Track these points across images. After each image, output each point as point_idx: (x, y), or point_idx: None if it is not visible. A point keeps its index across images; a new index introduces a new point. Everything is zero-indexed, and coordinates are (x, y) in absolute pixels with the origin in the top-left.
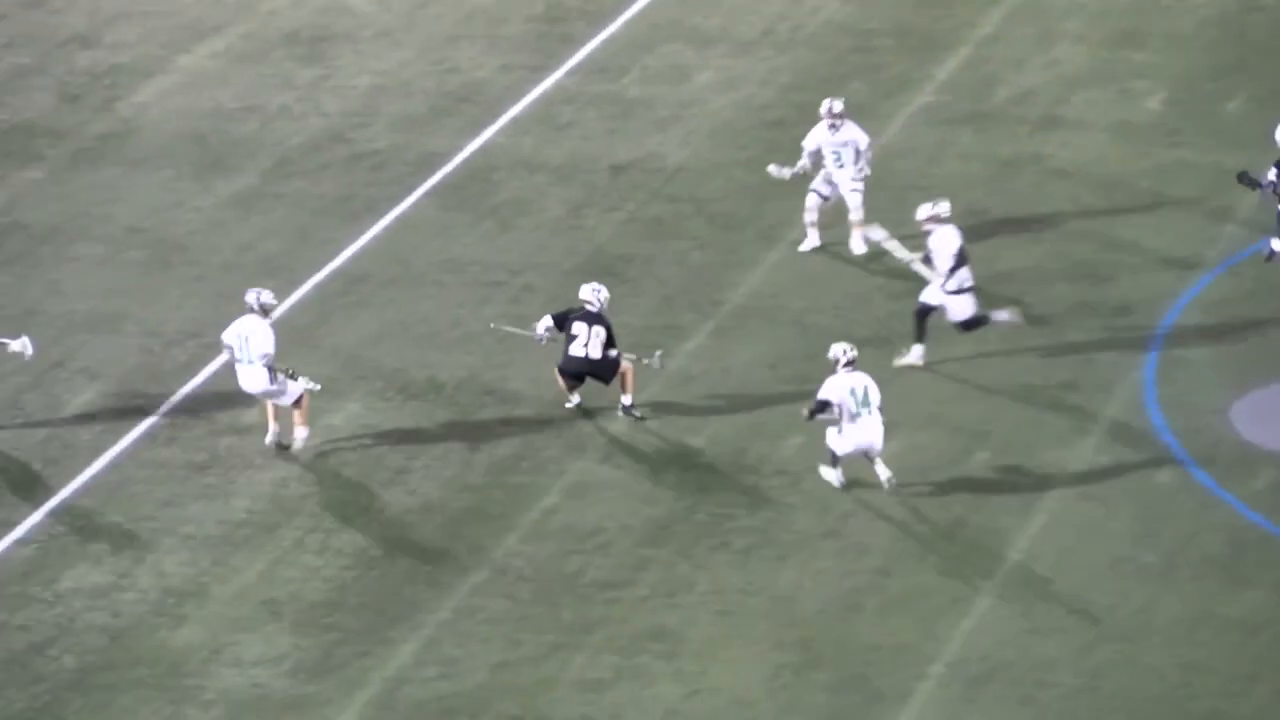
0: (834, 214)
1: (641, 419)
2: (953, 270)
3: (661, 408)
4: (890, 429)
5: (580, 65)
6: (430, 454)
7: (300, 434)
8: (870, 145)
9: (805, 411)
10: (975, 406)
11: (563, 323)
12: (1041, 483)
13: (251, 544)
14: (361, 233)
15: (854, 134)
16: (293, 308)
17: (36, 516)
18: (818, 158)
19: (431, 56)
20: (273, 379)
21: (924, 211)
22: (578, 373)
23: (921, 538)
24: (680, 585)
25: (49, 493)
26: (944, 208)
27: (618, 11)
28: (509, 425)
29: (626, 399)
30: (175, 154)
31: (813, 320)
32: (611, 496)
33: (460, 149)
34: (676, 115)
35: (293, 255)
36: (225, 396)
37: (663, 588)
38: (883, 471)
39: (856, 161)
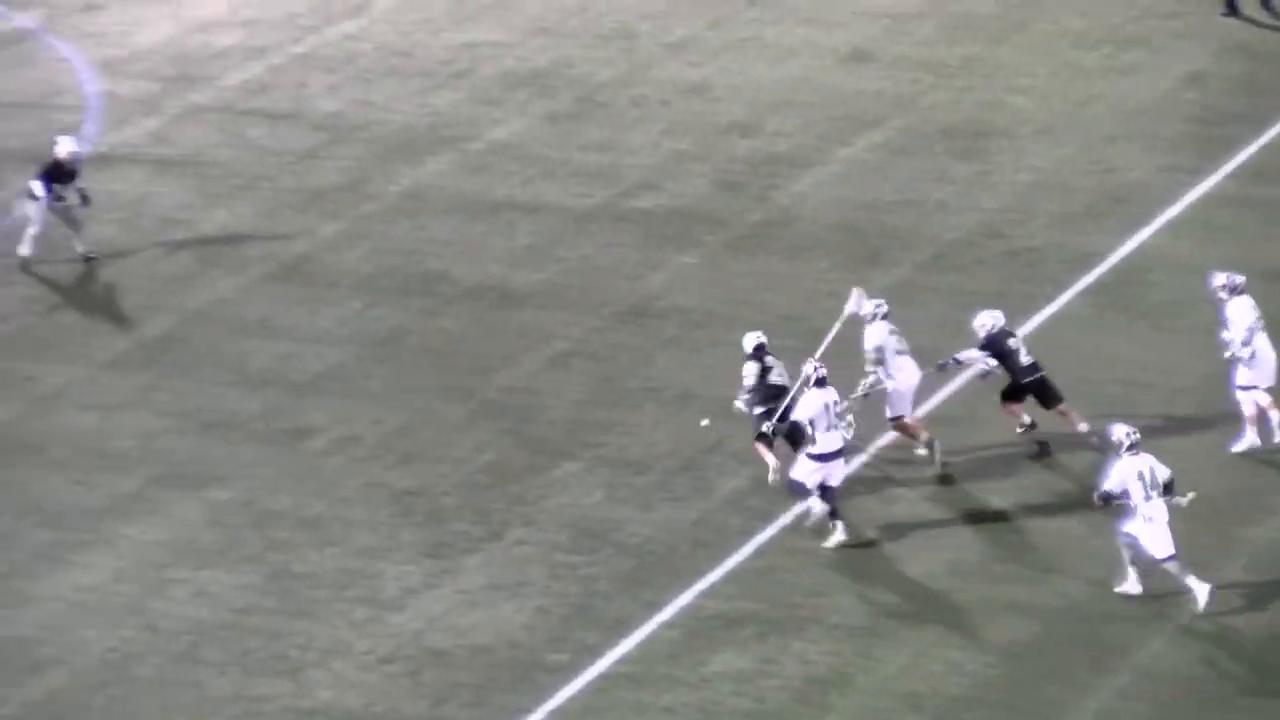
0: None
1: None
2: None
3: None
4: None
5: (1239, 169)
6: (1078, 552)
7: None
8: None
9: (1097, 499)
10: None
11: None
12: None
13: (896, 635)
14: (1013, 330)
15: None
16: (947, 401)
17: (684, 599)
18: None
19: (1090, 155)
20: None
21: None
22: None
23: None
24: None
25: (697, 576)
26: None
27: (1278, 117)
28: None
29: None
30: (830, 245)
31: None
32: (1257, 603)
33: (1115, 249)
34: None
35: (945, 349)
36: (874, 487)
37: None
38: (1200, 591)
39: None
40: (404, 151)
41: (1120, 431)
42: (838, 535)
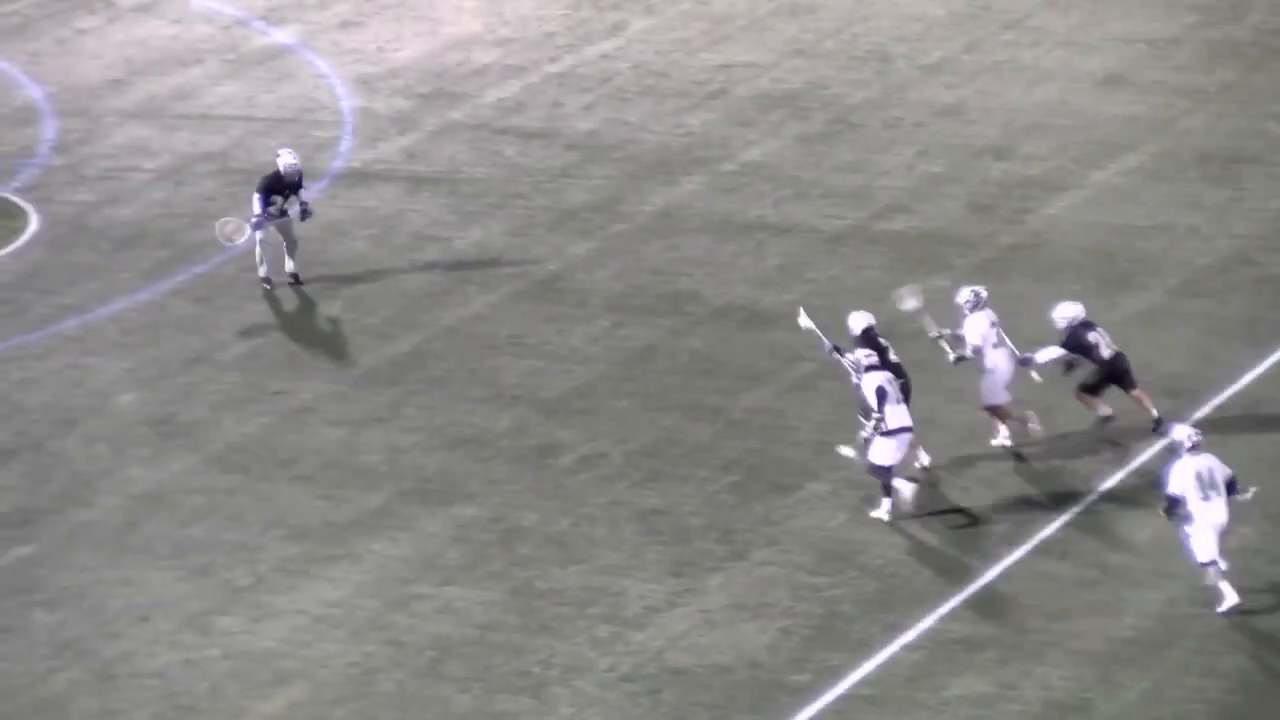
0: None
1: None
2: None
3: None
4: None
5: None
6: None
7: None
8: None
9: (1162, 510)
10: None
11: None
12: None
13: (1137, 662)
14: (1265, 357)
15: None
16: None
17: (927, 622)
18: None
19: None
20: None
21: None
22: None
23: None
24: None
25: (940, 599)
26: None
27: None
28: None
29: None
30: (1082, 269)
31: None
32: None
33: None
34: None
35: (1194, 375)
36: (1127, 506)
37: None
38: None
39: None
40: (657, 171)
41: (1182, 432)
42: (882, 510)
